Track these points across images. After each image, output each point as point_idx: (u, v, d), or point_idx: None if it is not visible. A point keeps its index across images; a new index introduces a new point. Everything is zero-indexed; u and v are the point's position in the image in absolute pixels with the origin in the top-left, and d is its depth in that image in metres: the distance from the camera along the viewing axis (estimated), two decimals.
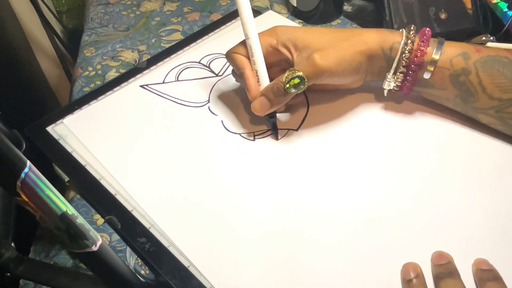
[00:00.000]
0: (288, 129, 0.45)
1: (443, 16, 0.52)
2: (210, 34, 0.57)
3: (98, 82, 0.54)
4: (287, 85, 0.39)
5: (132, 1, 0.67)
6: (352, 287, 0.34)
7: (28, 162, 0.23)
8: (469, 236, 0.36)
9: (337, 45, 0.40)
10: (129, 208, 0.40)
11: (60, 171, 0.44)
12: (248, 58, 0.43)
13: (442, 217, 0.37)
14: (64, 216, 0.25)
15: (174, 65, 0.53)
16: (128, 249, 0.39)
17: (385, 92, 0.43)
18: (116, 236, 0.39)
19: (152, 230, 0.38)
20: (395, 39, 0.40)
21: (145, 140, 0.45)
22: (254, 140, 0.44)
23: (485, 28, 0.52)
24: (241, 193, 0.40)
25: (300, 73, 0.39)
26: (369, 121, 0.45)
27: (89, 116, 0.48)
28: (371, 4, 0.62)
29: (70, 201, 0.42)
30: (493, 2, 0.54)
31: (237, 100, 0.48)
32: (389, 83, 0.42)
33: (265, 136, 0.45)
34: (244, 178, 0.41)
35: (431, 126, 0.44)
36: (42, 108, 0.86)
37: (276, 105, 0.42)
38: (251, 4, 0.40)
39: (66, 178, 0.43)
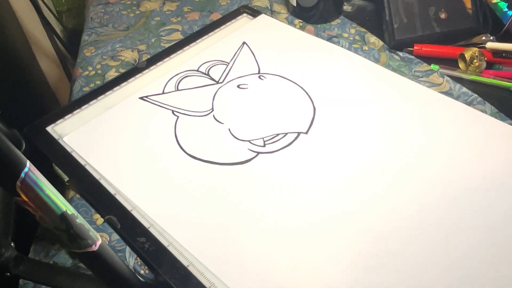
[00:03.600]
0: (299, 133, 0.45)
1: (443, 16, 0.52)
2: (210, 34, 0.57)
3: (98, 82, 0.54)
4: None
5: (132, 1, 0.67)
6: None
7: (28, 162, 0.23)
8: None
9: None
10: (128, 208, 0.40)
11: (60, 171, 0.44)
12: None
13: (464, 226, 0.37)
14: (63, 216, 0.25)
15: (172, 75, 0.52)
16: (128, 249, 0.39)
17: None
18: (115, 236, 0.39)
19: (151, 230, 0.38)
20: None
21: (155, 156, 0.43)
22: (264, 146, 0.44)
23: (485, 28, 0.52)
24: (252, 198, 0.39)
25: None
26: (377, 120, 0.45)
27: (89, 132, 0.46)
28: (371, 4, 0.62)
29: (70, 201, 0.42)
30: (493, 2, 0.54)
31: (242, 107, 0.48)
32: None
33: (276, 141, 0.44)
34: (254, 183, 0.41)
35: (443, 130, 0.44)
36: (42, 108, 0.86)
37: None
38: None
39: (66, 178, 0.43)
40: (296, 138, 0.44)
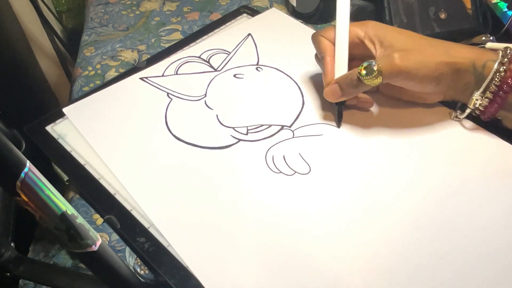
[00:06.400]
0: (282, 126, 0.45)
1: (442, 16, 0.52)
2: (209, 34, 0.58)
3: (98, 82, 0.54)
4: (362, 74, 0.39)
5: (132, 1, 0.67)
6: None
7: (28, 162, 0.23)
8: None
9: (423, 50, 0.39)
10: (128, 207, 0.40)
11: (60, 171, 0.44)
12: (333, 43, 0.43)
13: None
14: (63, 216, 0.25)
15: (174, 59, 0.54)
16: (128, 249, 0.39)
17: (467, 111, 0.41)
18: (115, 236, 0.39)
19: (151, 230, 0.38)
20: (489, 57, 0.38)
21: (142, 134, 0.45)
22: (247, 134, 0.45)
23: (485, 28, 0.52)
24: (237, 191, 0.40)
25: (377, 64, 0.38)
26: (365, 120, 0.45)
27: (88, 106, 0.49)
28: (371, 4, 0.62)
29: (70, 201, 0.42)
30: (493, 2, 0.54)
31: (233, 95, 0.49)
32: (476, 102, 0.40)
33: (259, 131, 0.45)
34: (239, 174, 0.41)
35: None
36: (42, 108, 0.86)
37: (347, 95, 0.42)
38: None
39: (66, 178, 0.43)
40: (278, 130, 0.45)
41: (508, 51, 0.38)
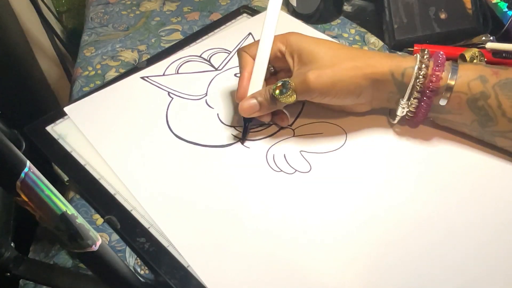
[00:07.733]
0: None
1: (443, 16, 0.52)
2: (209, 34, 0.58)
3: (98, 82, 0.54)
4: (276, 93, 0.40)
5: (132, 1, 0.67)
6: None
7: (28, 162, 0.23)
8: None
9: (339, 64, 0.39)
10: (128, 208, 0.40)
11: (60, 171, 0.44)
12: (254, 59, 0.43)
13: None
14: (63, 216, 0.25)
15: (175, 58, 0.54)
16: (128, 249, 0.39)
17: (397, 118, 0.42)
18: (115, 236, 0.39)
19: (151, 230, 0.38)
20: (407, 64, 0.38)
21: (143, 133, 0.46)
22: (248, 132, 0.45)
23: (485, 28, 0.52)
24: (238, 190, 0.40)
25: (290, 83, 0.39)
26: (365, 120, 0.45)
27: (89, 105, 0.49)
28: (371, 4, 0.62)
29: (70, 201, 0.42)
30: (493, 2, 0.54)
31: (234, 94, 0.49)
32: (403, 110, 0.40)
33: (259, 130, 0.45)
34: (240, 173, 0.41)
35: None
36: (42, 108, 0.86)
37: (265, 110, 0.42)
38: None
39: (66, 178, 0.43)
40: (279, 130, 0.45)
41: (425, 56, 0.38)
